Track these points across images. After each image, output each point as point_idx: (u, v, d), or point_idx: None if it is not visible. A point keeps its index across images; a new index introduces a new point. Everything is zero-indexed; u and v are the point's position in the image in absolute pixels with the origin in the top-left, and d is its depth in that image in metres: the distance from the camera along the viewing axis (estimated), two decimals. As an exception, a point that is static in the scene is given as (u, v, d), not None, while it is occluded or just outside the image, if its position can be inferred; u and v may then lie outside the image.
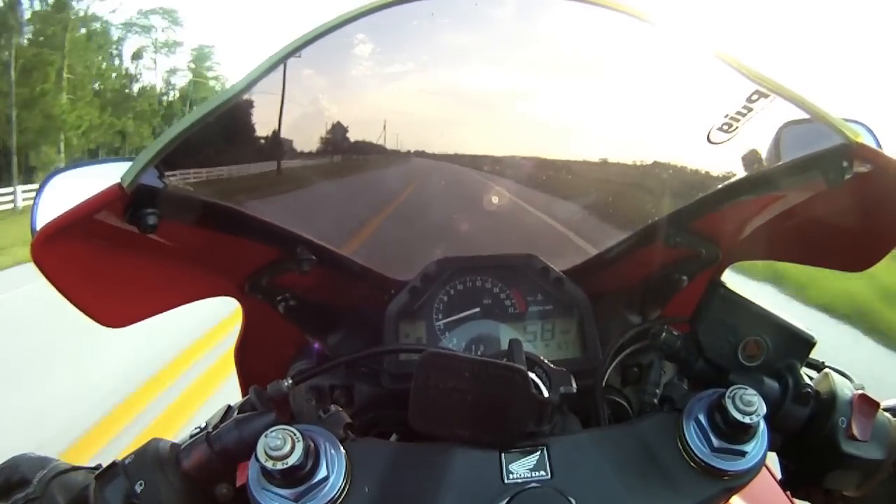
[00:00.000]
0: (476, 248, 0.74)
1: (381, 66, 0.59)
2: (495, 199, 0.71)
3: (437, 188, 0.71)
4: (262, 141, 0.60)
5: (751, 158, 0.60)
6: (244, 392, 0.73)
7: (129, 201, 0.46)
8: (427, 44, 0.58)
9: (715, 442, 0.46)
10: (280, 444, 0.41)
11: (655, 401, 0.59)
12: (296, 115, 0.61)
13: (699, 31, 0.50)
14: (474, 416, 0.46)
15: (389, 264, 0.73)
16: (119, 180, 0.44)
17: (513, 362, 0.48)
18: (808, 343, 0.55)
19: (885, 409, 0.54)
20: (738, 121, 0.56)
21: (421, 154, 0.67)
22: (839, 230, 0.63)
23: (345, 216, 0.76)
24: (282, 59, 0.47)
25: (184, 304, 0.64)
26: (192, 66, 42.27)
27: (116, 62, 37.48)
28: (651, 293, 0.75)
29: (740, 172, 0.60)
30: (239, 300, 0.71)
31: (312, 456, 0.43)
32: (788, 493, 0.59)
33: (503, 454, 0.46)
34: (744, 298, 0.55)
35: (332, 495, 0.43)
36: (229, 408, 0.54)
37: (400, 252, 0.76)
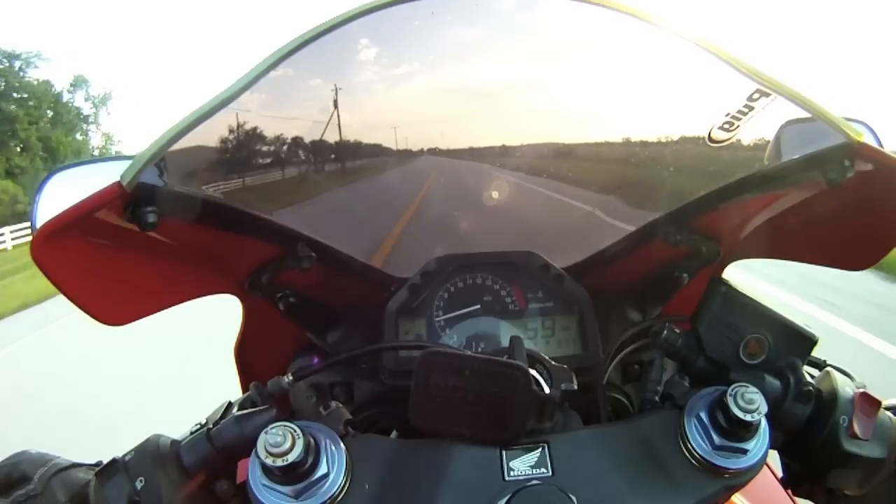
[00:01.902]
0: (491, 242, 0.74)
1: (388, 69, 0.59)
2: (495, 195, 0.71)
3: (452, 185, 0.71)
4: (271, 147, 0.61)
5: (752, 157, 0.60)
6: (244, 389, 0.73)
7: (129, 199, 0.46)
8: (432, 42, 0.58)
9: (716, 439, 0.46)
10: (280, 440, 0.41)
11: (657, 398, 0.59)
12: (304, 122, 0.61)
13: (700, 30, 0.50)
14: (475, 414, 0.46)
15: (412, 261, 0.72)
16: (119, 178, 0.44)
17: (513, 359, 0.48)
18: (809, 341, 0.55)
19: (887, 408, 0.54)
20: (739, 119, 0.56)
21: (433, 151, 0.67)
22: (840, 228, 0.63)
23: (366, 225, 0.76)
24: (280, 60, 0.47)
25: (184, 301, 0.64)
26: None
27: None
28: (652, 290, 0.75)
29: (741, 171, 0.60)
30: (239, 298, 0.71)
31: (313, 452, 0.43)
32: (789, 491, 0.59)
33: (504, 451, 0.46)
34: (745, 296, 0.55)
35: (332, 492, 0.43)
36: (230, 404, 0.54)
37: (418, 249, 0.76)
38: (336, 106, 0.60)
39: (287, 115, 0.60)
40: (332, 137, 0.63)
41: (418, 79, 0.61)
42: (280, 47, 0.47)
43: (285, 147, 0.62)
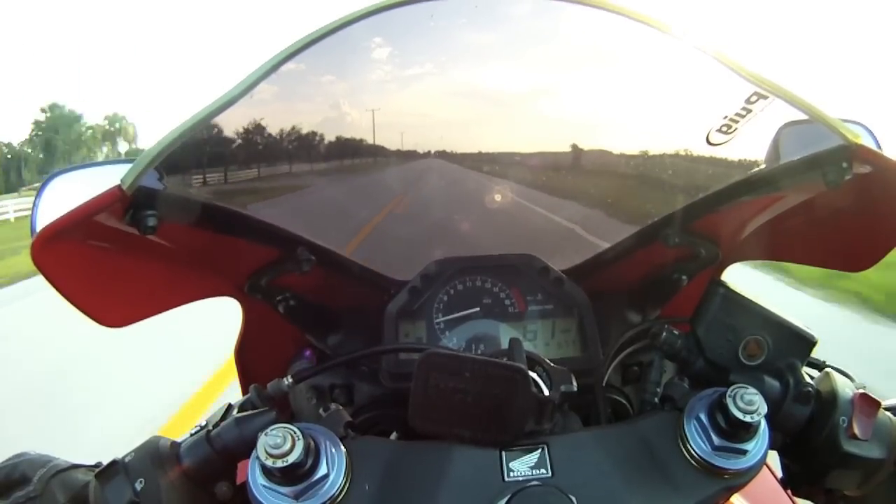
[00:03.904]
0: (489, 245, 0.74)
1: (399, 69, 0.59)
2: (498, 198, 0.72)
3: (452, 188, 0.72)
4: (274, 148, 0.61)
5: (750, 160, 0.60)
6: (244, 391, 0.73)
7: (128, 203, 0.46)
8: (438, 45, 0.58)
9: (716, 440, 0.46)
10: (280, 442, 0.41)
11: (656, 399, 0.59)
12: (309, 119, 0.61)
13: (699, 33, 0.50)
14: (475, 415, 0.46)
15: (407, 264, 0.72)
16: (119, 182, 0.44)
17: (513, 361, 0.48)
18: (809, 342, 0.55)
19: (887, 409, 0.54)
20: (737, 122, 0.56)
21: (439, 154, 0.67)
22: (839, 230, 0.63)
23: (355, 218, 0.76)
24: (282, 62, 0.47)
25: (184, 304, 0.64)
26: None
27: None
28: (651, 293, 0.75)
29: (740, 173, 0.60)
30: (239, 300, 0.71)
31: (312, 454, 0.43)
32: (789, 492, 0.59)
33: (504, 452, 0.46)
34: (745, 298, 0.55)
35: (332, 493, 0.43)
36: (230, 406, 0.54)
37: (416, 252, 0.76)
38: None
39: (290, 115, 0.60)
40: (334, 136, 0.63)
41: (427, 80, 0.61)
42: (279, 51, 0.47)
43: (286, 147, 0.62)
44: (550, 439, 0.47)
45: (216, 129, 0.54)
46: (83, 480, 0.48)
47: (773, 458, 0.55)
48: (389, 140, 0.64)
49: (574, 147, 0.70)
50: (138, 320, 0.57)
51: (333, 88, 0.59)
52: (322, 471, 0.43)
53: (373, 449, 0.48)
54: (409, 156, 0.66)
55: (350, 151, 0.65)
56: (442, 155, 0.67)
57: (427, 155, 0.67)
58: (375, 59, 0.57)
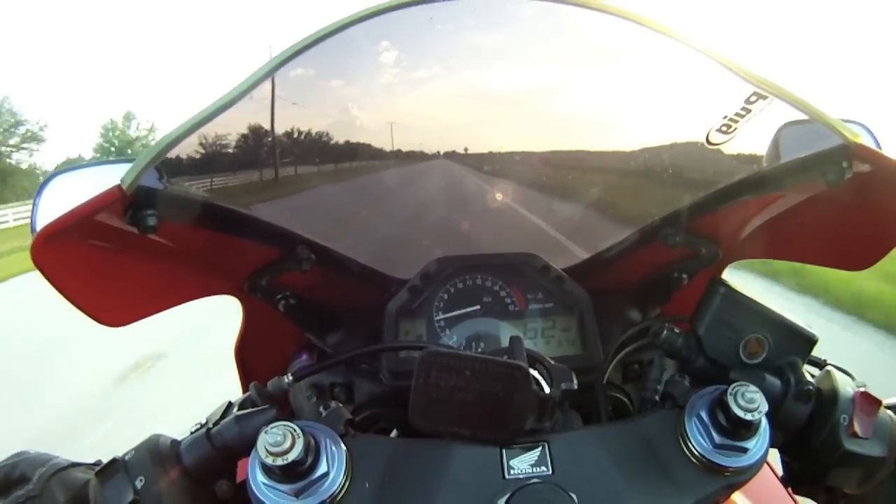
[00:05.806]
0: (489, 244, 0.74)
1: (406, 72, 0.59)
2: (501, 196, 0.72)
3: (456, 187, 0.72)
4: (271, 148, 0.61)
5: (750, 159, 0.60)
6: (245, 389, 0.73)
7: (128, 202, 0.46)
8: (440, 48, 0.59)
9: (716, 438, 0.46)
10: (280, 439, 0.41)
11: (657, 397, 0.59)
12: (316, 122, 0.61)
13: (699, 34, 0.50)
14: (475, 414, 0.46)
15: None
16: (119, 182, 0.44)
17: (514, 359, 0.48)
18: (809, 341, 0.55)
19: (887, 407, 0.54)
20: (736, 122, 0.56)
21: (449, 155, 0.67)
22: (839, 230, 0.63)
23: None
24: (282, 63, 0.47)
25: (184, 302, 0.64)
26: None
27: None
28: (652, 291, 0.75)
29: (740, 173, 0.60)
30: (239, 299, 0.71)
31: (313, 452, 0.43)
32: (790, 490, 0.59)
33: (504, 450, 0.46)
34: (745, 296, 0.55)
35: (332, 491, 0.43)
36: (230, 404, 0.54)
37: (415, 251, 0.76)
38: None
39: (296, 118, 0.60)
40: (340, 138, 0.63)
41: (434, 82, 0.61)
42: (283, 51, 0.47)
43: (290, 149, 0.62)
44: (551, 437, 0.47)
45: (218, 129, 0.54)
46: (83, 479, 0.48)
47: (774, 457, 0.55)
48: (396, 142, 0.65)
49: (577, 147, 0.70)
50: (138, 319, 0.57)
51: (341, 92, 0.59)
52: (322, 469, 0.43)
53: (373, 447, 0.48)
54: (416, 157, 0.66)
55: (356, 154, 0.65)
56: (450, 156, 0.67)
57: (435, 156, 0.67)
58: (383, 63, 0.57)
